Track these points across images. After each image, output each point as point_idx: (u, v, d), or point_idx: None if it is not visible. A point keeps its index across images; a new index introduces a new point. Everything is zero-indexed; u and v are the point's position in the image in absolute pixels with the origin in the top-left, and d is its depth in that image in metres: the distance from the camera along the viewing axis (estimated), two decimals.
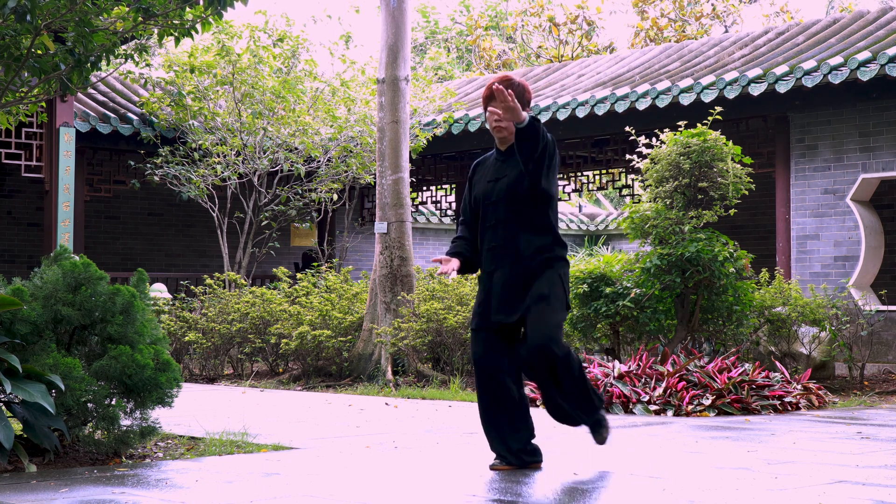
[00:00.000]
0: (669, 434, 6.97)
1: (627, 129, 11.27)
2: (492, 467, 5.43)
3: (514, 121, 5.30)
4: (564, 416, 5.64)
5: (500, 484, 5.02)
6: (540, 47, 30.32)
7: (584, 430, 5.71)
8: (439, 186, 19.61)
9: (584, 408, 5.53)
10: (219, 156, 14.73)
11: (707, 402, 8.22)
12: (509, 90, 5.30)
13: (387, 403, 9.20)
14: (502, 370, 5.40)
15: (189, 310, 13.13)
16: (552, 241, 5.45)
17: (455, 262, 5.57)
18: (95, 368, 5.71)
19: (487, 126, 5.61)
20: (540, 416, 7.41)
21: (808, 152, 12.76)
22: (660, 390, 8.40)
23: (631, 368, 8.84)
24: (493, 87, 5.32)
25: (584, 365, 8.32)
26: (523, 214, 5.43)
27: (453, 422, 7.71)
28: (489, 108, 5.53)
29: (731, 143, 10.01)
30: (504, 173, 5.50)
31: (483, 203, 5.54)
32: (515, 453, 5.43)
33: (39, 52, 7.15)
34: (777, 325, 10.57)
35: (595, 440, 5.60)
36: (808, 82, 12.08)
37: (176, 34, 7.39)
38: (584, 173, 17.76)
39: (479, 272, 5.63)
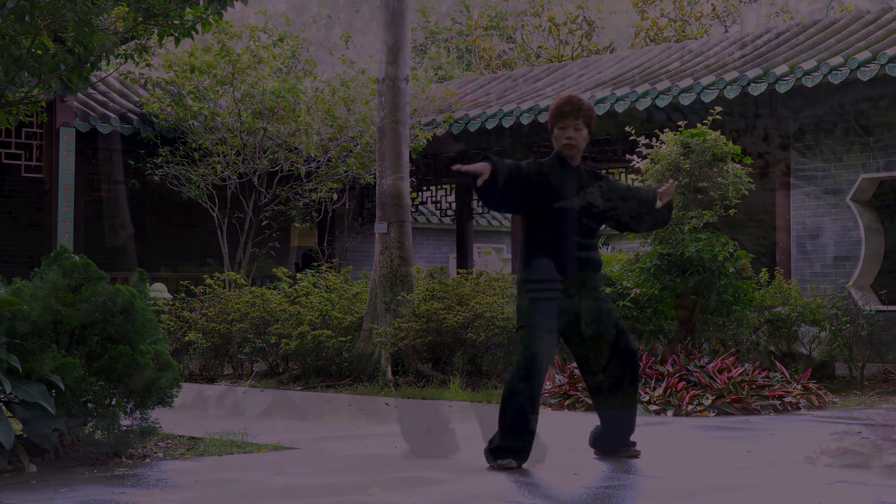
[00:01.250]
0: (669, 434, 6.97)
1: (627, 129, 11.27)
2: (499, 466, 5.40)
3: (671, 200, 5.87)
4: (623, 437, 5.86)
5: (501, 484, 5.02)
6: (540, 47, 30.31)
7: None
8: (439, 186, 19.58)
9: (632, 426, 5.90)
10: (219, 155, 14.73)
11: (707, 402, 8.22)
12: (667, 191, 5.87)
13: (386, 403, 9.20)
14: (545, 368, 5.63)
15: (189, 310, 13.12)
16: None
17: (486, 166, 5.63)
18: (95, 368, 5.71)
19: (554, 144, 5.83)
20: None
21: (808, 152, 12.76)
22: (660, 390, 8.40)
23: None
24: (662, 196, 5.86)
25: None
26: (594, 233, 5.87)
27: (453, 422, 7.71)
28: (558, 127, 5.78)
29: (731, 143, 10.00)
30: (586, 189, 5.81)
31: (570, 208, 5.74)
32: (529, 451, 5.48)
33: (39, 52, 7.15)
34: (777, 325, 10.57)
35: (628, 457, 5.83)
36: (808, 82, 12.07)
37: (176, 34, 7.40)
38: None
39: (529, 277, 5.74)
